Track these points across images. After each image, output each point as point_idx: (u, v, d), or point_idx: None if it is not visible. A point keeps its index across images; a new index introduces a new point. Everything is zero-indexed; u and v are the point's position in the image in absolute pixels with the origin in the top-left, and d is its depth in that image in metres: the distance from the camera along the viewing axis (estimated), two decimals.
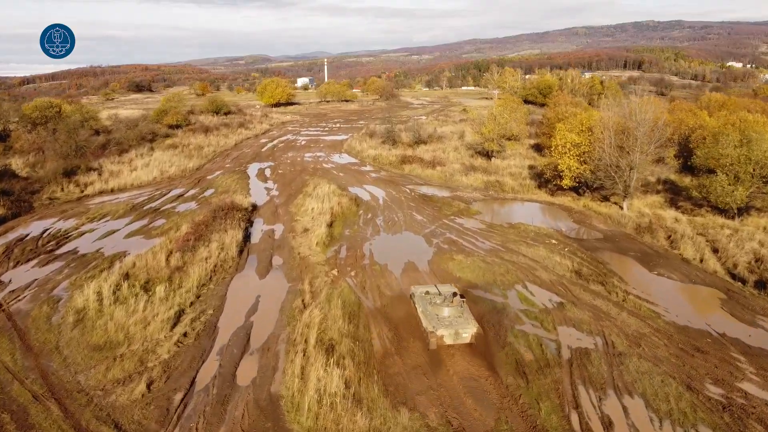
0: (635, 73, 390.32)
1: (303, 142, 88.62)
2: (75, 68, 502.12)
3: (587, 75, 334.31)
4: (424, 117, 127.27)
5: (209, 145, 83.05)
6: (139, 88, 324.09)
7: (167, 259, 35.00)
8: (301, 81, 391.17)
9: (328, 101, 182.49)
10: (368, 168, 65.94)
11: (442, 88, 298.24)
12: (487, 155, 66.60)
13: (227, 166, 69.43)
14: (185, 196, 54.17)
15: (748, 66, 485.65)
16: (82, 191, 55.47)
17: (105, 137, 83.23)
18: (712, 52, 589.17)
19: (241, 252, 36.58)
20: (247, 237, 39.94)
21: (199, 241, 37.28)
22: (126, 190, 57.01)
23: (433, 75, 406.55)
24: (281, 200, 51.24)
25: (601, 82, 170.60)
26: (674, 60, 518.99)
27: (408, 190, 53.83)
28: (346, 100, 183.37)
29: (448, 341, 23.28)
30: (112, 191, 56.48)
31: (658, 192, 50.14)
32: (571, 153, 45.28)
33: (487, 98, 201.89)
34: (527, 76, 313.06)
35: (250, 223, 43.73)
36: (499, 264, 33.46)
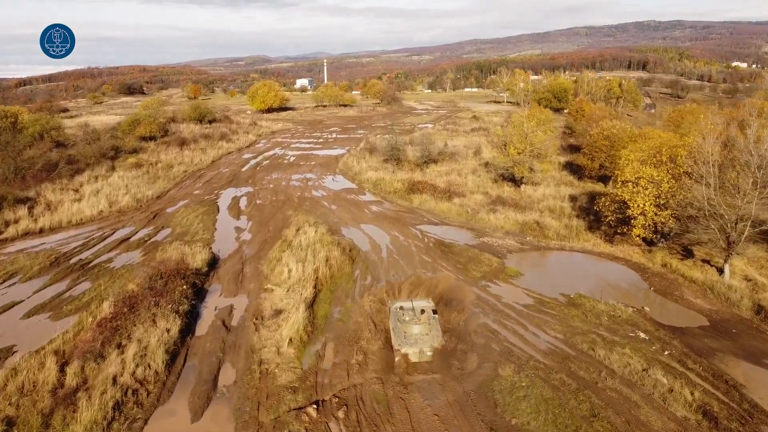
0: (642, 74, 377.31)
1: (292, 159, 75.99)
2: (72, 69, 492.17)
3: (597, 76, 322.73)
4: (430, 125, 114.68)
5: (181, 163, 70.53)
6: (130, 90, 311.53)
7: (61, 372, 22.94)
8: (300, 82, 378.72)
9: (324, 106, 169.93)
10: (368, 197, 53.30)
11: (445, 90, 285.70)
12: (513, 180, 54.04)
13: (196, 193, 56.85)
14: (131, 241, 41.71)
15: (753, 66, 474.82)
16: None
17: (60, 153, 70.74)
18: (715, 52, 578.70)
19: (173, 359, 24.07)
20: (190, 323, 27.39)
21: (113, 338, 24.84)
22: (59, 231, 44.61)
23: (434, 76, 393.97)
24: (252, 250, 38.67)
25: (620, 85, 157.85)
26: (678, 60, 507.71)
27: (419, 234, 41.25)
28: (344, 105, 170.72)
29: (413, 359, 23.17)
30: (41, 232, 44.07)
31: (757, 241, 37.29)
32: (647, 193, 32.64)
33: (496, 102, 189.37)
34: (531, 78, 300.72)
35: (202, 294, 31.17)
36: (574, 392, 20.95)
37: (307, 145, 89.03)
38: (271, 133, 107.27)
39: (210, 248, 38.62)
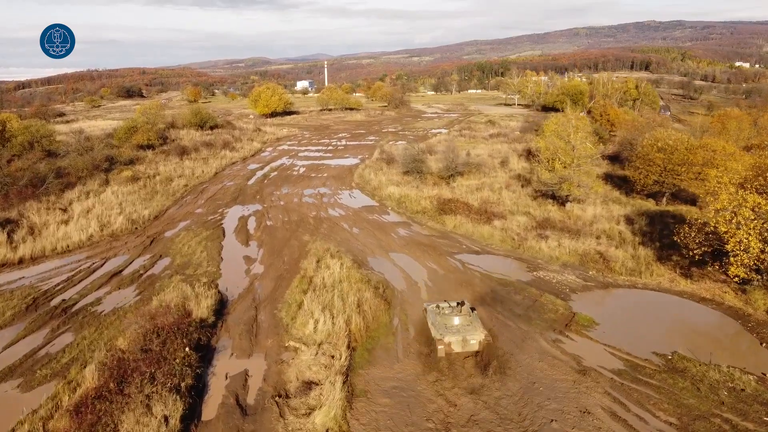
0: (646, 74, 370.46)
1: (302, 170, 69.99)
2: (72, 72, 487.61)
3: (614, 77, 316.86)
4: (444, 130, 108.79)
5: (181, 176, 64.56)
6: (129, 93, 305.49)
7: None
8: (301, 84, 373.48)
9: (330, 109, 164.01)
10: (393, 217, 47.27)
11: (451, 93, 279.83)
12: (554, 197, 48.09)
13: (198, 212, 50.90)
14: (123, 274, 35.82)
15: (756, 66, 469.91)
16: None
17: (49, 165, 64.80)
18: (717, 52, 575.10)
19: None
20: (194, 402, 21.40)
21: None
22: (42, 261, 38.81)
23: (436, 77, 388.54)
24: (266, 289, 32.69)
25: (636, 87, 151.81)
26: (681, 60, 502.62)
27: (460, 266, 35.28)
28: (350, 108, 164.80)
29: (456, 348, 23.29)
30: (20, 263, 38.28)
31: None
32: (753, 226, 26.65)
33: (506, 104, 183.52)
34: (536, 78, 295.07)
35: (208, 354, 25.18)
36: None
37: (317, 154, 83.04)
38: (276, 139, 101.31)
39: (216, 287, 32.65)
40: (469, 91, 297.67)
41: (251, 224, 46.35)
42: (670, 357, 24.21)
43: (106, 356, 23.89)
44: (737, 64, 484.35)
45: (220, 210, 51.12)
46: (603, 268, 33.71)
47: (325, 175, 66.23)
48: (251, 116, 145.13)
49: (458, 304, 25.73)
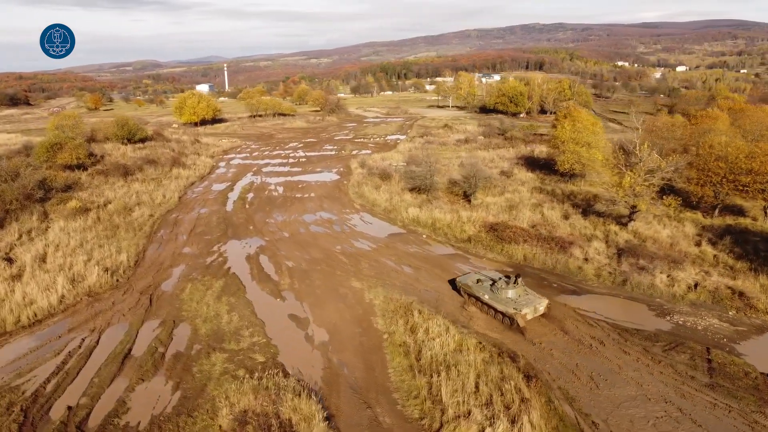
0: (541, 74, 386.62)
1: (280, 189, 60.66)
2: None
3: (496, 77, 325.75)
4: (401, 137, 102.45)
5: (140, 204, 53.32)
6: (13, 101, 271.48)
7: None
8: (200, 88, 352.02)
9: (260, 115, 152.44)
10: (438, 249, 39.74)
11: (372, 95, 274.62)
12: (599, 214, 43.14)
13: (187, 252, 40.89)
14: (135, 356, 26.19)
15: (635, 65, 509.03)
16: None
17: None
18: (599, 53, 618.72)
19: None
20: None
21: None
22: (3, 341, 28.03)
23: (341, 78, 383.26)
24: (355, 369, 24.44)
25: (570, 87, 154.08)
26: (570, 60, 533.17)
27: (572, 312, 28.94)
28: (283, 114, 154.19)
29: (530, 317, 27.16)
30: None
31: None
32: None
33: (440, 107, 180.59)
34: (439, 79, 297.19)
35: None
36: None
37: (282, 169, 73.55)
38: (223, 152, 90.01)
39: (285, 371, 24.09)
40: (385, 93, 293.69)
41: (268, 267, 37.31)
42: None
43: None
44: (619, 63, 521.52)
45: (216, 248, 41.43)
46: (742, 305, 28.75)
47: (312, 194, 57.51)
48: (175, 125, 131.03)
49: (516, 277, 29.32)
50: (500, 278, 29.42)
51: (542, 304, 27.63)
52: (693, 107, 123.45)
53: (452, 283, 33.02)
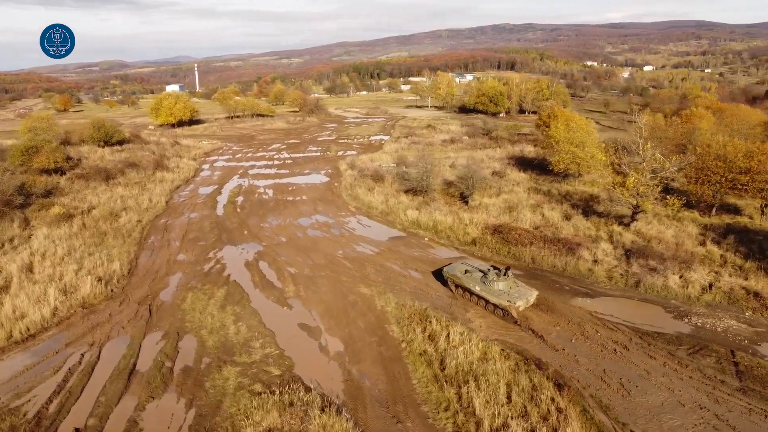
0: (512, 74, 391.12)
1: (270, 192, 59.27)
2: None
3: (469, 77, 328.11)
4: (385, 137, 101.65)
5: (126, 209, 51.43)
6: None
7: None
8: (170, 88, 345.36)
9: (238, 116, 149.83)
10: (443, 252, 39.12)
11: (348, 95, 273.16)
12: (599, 215, 43.01)
13: (182, 259, 39.41)
14: (140, 371, 24.88)
15: (604, 65, 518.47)
16: None
17: None
18: (568, 53, 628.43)
19: None
20: None
21: None
22: None
23: (313, 78, 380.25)
24: (377, 380, 23.60)
25: (548, 86, 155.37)
26: (540, 60, 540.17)
27: (588, 316, 28.59)
28: (262, 115, 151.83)
29: (522, 308, 27.64)
30: None
31: None
32: None
33: (418, 107, 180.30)
34: (415, 79, 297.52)
35: None
36: None
37: (268, 171, 72.02)
38: (204, 154, 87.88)
39: (305, 385, 23.09)
40: (362, 93, 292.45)
41: (269, 273, 36.12)
42: None
43: None
44: (588, 63, 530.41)
45: (212, 254, 40.02)
46: (758, 306, 28.76)
47: (304, 197, 56.30)
48: (151, 126, 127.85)
49: (506, 269, 29.89)
50: (489, 269, 29.94)
51: (533, 296, 28.35)
52: (667, 106, 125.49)
53: (436, 274, 33.67)
